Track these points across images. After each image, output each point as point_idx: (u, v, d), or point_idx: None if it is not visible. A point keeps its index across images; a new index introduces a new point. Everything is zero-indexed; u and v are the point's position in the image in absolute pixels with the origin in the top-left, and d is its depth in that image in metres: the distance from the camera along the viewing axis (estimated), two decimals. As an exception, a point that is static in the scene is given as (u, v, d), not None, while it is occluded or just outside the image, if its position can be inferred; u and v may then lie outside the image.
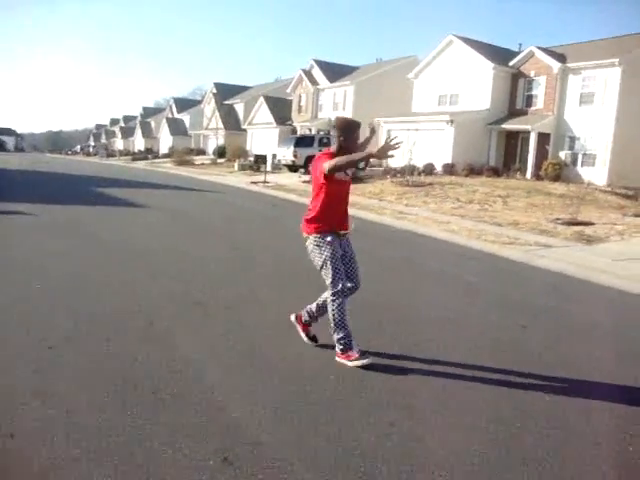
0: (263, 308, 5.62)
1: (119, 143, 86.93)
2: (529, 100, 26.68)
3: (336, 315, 4.19)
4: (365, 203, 17.16)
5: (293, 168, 27.90)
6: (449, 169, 23.77)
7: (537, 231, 12.27)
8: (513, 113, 26.92)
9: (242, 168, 30.13)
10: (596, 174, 22.88)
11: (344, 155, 4.12)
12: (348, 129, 4.29)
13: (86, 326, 4.69)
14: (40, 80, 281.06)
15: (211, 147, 52.31)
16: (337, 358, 4.28)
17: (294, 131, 40.62)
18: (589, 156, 24.22)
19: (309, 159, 26.72)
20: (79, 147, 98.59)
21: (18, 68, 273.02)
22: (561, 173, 23.36)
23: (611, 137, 23.03)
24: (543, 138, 25.11)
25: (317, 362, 4.23)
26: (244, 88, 57.56)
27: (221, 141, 49.54)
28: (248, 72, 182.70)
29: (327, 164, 4.06)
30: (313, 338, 4.59)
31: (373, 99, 34.27)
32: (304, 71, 41.29)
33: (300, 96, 42.05)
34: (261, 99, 45.75)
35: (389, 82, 34.61)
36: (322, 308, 4.46)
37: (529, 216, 14.84)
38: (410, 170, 21.64)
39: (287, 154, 27.75)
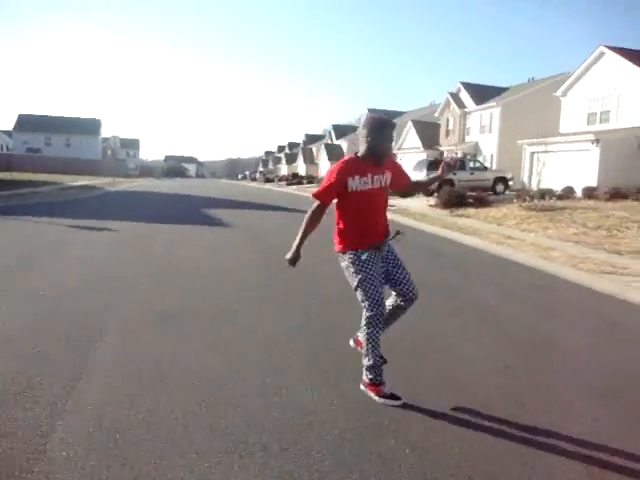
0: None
1: (284, 169, 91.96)
2: (698, 113, 23.69)
3: (369, 342, 3.75)
4: (477, 227, 16.50)
5: (428, 192, 27.50)
6: (589, 193, 21.86)
7: (663, 260, 10.91)
8: (678, 128, 24.05)
9: (379, 192, 30.46)
10: None
11: (372, 157, 3.77)
12: (376, 128, 3.75)
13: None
14: (220, 111, 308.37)
15: (363, 172, 53.31)
16: (362, 386, 3.88)
17: (441, 155, 40.08)
18: None
19: (442, 182, 26.20)
20: (247, 173, 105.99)
21: (199, 102, 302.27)
22: None
23: None
24: None
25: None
26: (398, 113, 58.07)
27: (372, 166, 50.39)
28: (409, 98, 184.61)
29: (315, 191, 3.87)
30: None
31: (520, 120, 32.77)
32: (451, 94, 40.76)
33: (448, 119, 41.50)
34: (409, 123, 45.86)
35: (538, 102, 32.83)
36: (388, 320, 3.96)
37: (665, 244, 13.19)
38: (540, 194, 20.32)
39: (419, 178, 27.42)
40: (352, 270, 3.76)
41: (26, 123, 73.48)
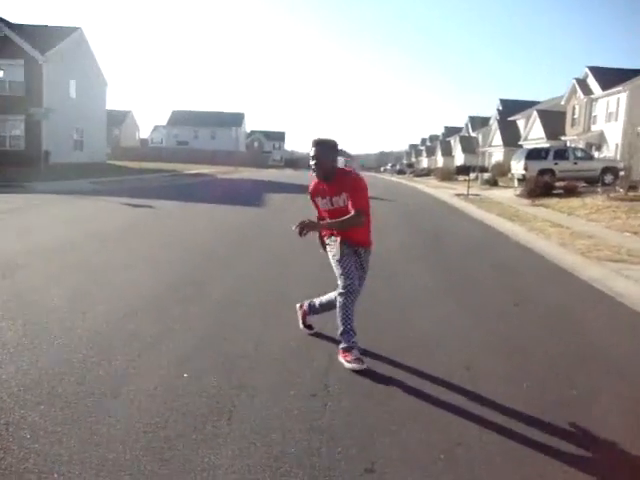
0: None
1: (424, 161, 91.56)
2: None
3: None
4: (539, 215, 16.24)
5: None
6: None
7: (702, 253, 10.14)
8: None
9: (483, 183, 29.81)
10: None
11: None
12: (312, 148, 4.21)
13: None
14: (372, 106, 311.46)
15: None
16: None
17: (564, 145, 37.81)
18: None
19: (542, 173, 25.11)
20: (389, 165, 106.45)
21: (352, 96, 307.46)
22: None
23: None
24: None
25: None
26: (532, 103, 55.23)
27: (500, 157, 48.81)
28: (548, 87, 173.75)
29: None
30: (309, 327, 4.76)
31: (652, 105, 29.90)
32: (577, 80, 38.08)
33: (573, 108, 38.91)
34: (534, 114, 43.60)
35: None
36: (326, 306, 4.55)
37: None
38: (631, 185, 18.99)
39: (518, 167, 26.45)
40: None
41: (178, 118, 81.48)
